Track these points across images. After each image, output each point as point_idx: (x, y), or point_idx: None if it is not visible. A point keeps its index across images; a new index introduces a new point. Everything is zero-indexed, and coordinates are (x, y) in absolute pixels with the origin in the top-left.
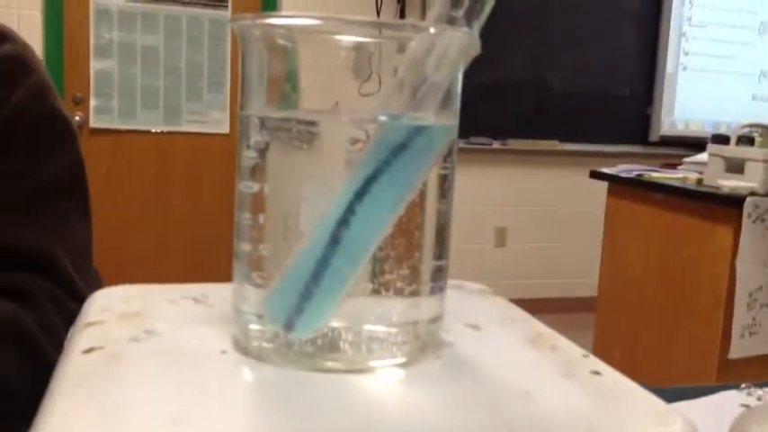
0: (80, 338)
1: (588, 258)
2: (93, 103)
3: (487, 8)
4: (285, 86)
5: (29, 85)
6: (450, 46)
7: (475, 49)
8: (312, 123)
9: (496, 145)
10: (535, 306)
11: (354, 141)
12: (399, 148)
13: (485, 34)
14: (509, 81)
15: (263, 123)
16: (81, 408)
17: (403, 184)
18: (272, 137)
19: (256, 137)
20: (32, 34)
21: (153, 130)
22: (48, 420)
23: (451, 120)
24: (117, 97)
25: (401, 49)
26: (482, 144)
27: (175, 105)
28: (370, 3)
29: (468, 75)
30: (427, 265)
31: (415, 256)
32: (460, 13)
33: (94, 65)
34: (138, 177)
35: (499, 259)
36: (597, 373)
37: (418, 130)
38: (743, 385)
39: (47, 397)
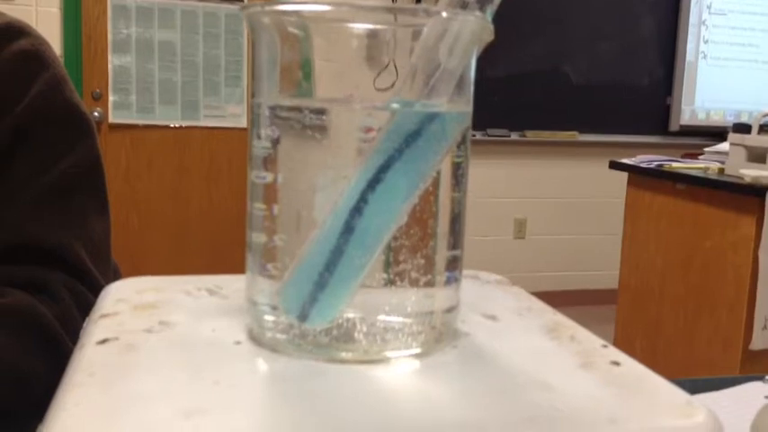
0: (95, 329)
1: (608, 250)
2: (111, 98)
3: None
4: (297, 75)
5: (46, 80)
6: (463, 31)
7: (488, 34)
8: (323, 112)
9: (515, 136)
10: (555, 298)
11: (367, 129)
12: (412, 136)
13: (502, 26)
14: (527, 72)
15: (274, 112)
16: (94, 398)
17: (416, 173)
18: (284, 126)
19: (268, 126)
20: (51, 31)
21: (171, 125)
22: (61, 410)
23: (465, 107)
24: (135, 93)
25: (414, 35)
26: (500, 136)
27: (193, 100)
28: None
29: (485, 66)
30: (441, 254)
31: (430, 245)
32: None
33: (113, 60)
34: (158, 172)
35: (518, 251)
36: (617, 363)
37: (431, 118)
38: (767, 377)
39: (61, 387)
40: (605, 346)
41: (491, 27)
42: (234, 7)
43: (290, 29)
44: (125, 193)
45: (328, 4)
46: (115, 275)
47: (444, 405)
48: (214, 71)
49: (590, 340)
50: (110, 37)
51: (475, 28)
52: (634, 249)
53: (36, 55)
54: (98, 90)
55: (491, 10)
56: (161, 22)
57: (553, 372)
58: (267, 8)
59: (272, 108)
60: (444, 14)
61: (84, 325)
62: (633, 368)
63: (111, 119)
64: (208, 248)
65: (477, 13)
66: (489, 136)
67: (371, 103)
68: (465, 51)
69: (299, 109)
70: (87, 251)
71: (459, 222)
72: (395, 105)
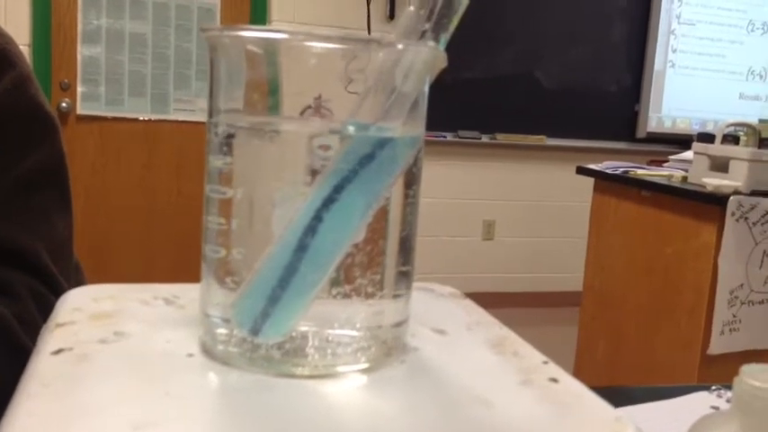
0: (50, 339)
1: (575, 253)
2: (80, 89)
3: (454, 22)
4: (254, 94)
5: (11, 79)
6: (417, 60)
7: (441, 62)
8: (279, 131)
9: (485, 139)
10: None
11: (323, 148)
12: (366, 159)
13: (475, 30)
14: (498, 76)
15: (230, 129)
16: (47, 409)
17: (370, 193)
18: (240, 143)
19: (224, 143)
20: (20, 19)
21: (140, 118)
22: (13, 420)
23: (418, 130)
24: (104, 84)
25: (370, 59)
26: (471, 138)
27: (163, 93)
28: (361, 3)
29: (457, 69)
30: (392, 271)
31: (380, 262)
32: (428, 26)
33: (82, 51)
34: (126, 165)
35: (487, 253)
36: (555, 380)
37: (385, 142)
38: (713, 387)
39: (14, 397)
40: (546, 363)
41: (444, 56)
42: (207, 1)
43: (251, 49)
44: (92, 185)
45: (285, 32)
46: (77, 274)
47: (388, 420)
48: (185, 64)
49: (532, 356)
50: (80, 27)
51: (428, 57)
52: (598, 253)
53: (2, 54)
54: (66, 80)
55: (445, 39)
56: (132, 14)
57: (494, 388)
58: (227, 32)
59: (229, 126)
60: (399, 46)
61: (41, 333)
62: (570, 385)
63: (80, 110)
64: (176, 242)
65: (431, 42)
66: (460, 138)
67: (326, 124)
68: (419, 78)
69: (255, 127)
70: (49, 251)
71: (410, 240)
72: (351, 128)
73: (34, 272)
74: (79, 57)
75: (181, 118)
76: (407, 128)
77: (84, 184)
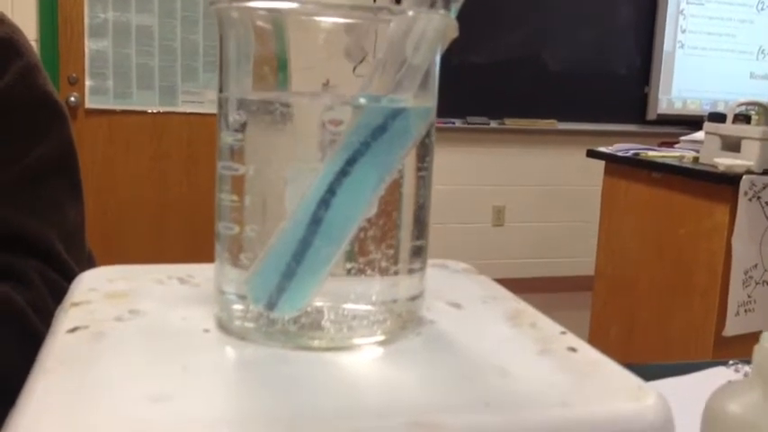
0: (65, 318)
1: (586, 237)
2: (88, 83)
3: None
4: (264, 68)
5: (19, 69)
6: (428, 28)
7: (452, 31)
8: (292, 105)
9: (494, 124)
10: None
11: (334, 123)
12: (379, 130)
13: (482, 13)
14: (506, 60)
15: (241, 105)
16: (63, 385)
17: (382, 166)
18: (251, 118)
19: (235, 118)
20: (27, 14)
21: (149, 111)
22: (30, 397)
23: (430, 102)
24: (112, 78)
25: (381, 31)
26: (479, 124)
27: (171, 85)
28: None
29: (466, 54)
30: (406, 244)
31: (394, 235)
32: None
33: (89, 45)
34: (135, 158)
35: (497, 238)
36: (573, 349)
37: (397, 113)
38: (731, 362)
39: (31, 374)
40: (564, 333)
41: (455, 24)
42: None
43: (258, 24)
44: (102, 178)
45: (295, 1)
46: (90, 263)
47: (405, 390)
48: (192, 56)
49: (549, 327)
50: (86, 21)
51: (439, 26)
52: (610, 237)
53: (9, 43)
54: (74, 75)
55: (456, 7)
56: (138, 6)
57: (512, 358)
58: (235, 4)
59: (240, 101)
60: (410, 13)
61: (56, 313)
62: (588, 354)
63: (88, 104)
64: (186, 234)
65: (442, 11)
66: (469, 124)
67: (338, 97)
68: (430, 48)
69: (266, 102)
70: (61, 238)
71: (424, 213)
72: (361, 100)
73: (47, 259)
74: (86, 51)
75: (189, 110)
76: (419, 99)
77: (94, 177)
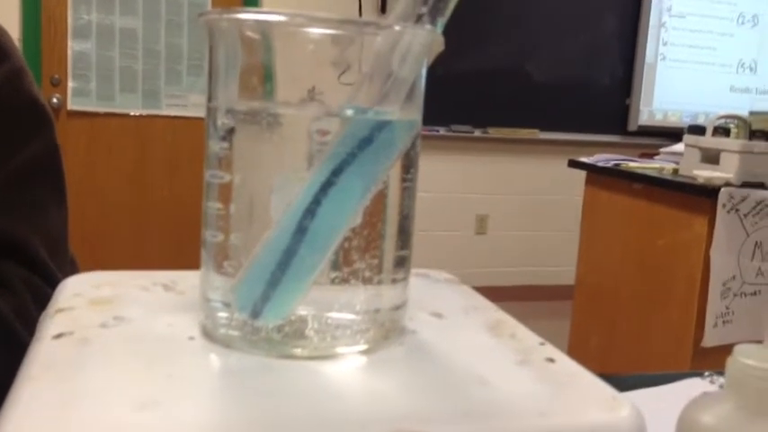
0: (50, 324)
1: (567, 246)
2: (70, 84)
3: (451, 6)
4: (253, 79)
5: (5, 72)
6: (414, 43)
7: (438, 45)
8: (277, 115)
9: (477, 133)
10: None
11: (321, 133)
12: (365, 142)
13: (467, 23)
14: (490, 69)
15: (229, 114)
16: (48, 391)
17: (368, 177)
18: (239, 128)
19: (223, 128)
20: (10, 14)
21: (132, 114)
22: (16, 403)
23: (415, 114)
24: (95, 80)
25: (367, 45)
26: (463, 132)
27: (154, 89)
28: None
29: (450, 63)
30: (390, 255)
31: (379, 246)
32: (425, 10)
33: (72, 46)
34: (117, 161)
35: (480, 247)
36: (551, 360)
37: (383, 125)
38: (706, 373)
39: (16, 381)
40: (542, 344)
41: (441, 39)
42: None
43: (247, 35)
44: (84, 181)
45: (283, 14)
46: (72, 267)
47: (387, 399)
48: (176, 60)
49: (529, 338)
50: (70, 22)
51: (425, 40)
52: (591, 246)
53: None
54: (57, 76)
55: (441, 23)
56: (122, 9)
57: (491, 368)
58: (225, 15)
59: (228, 111)
60: (396, 28)
61: (41, 319)
62: (566, 365)
63: (70, 105)
64: (168, 238)
65: (428, 26)
66: (453, 132)
67: (325, 108)
68: (416, 61)
69: (254, 112)
70: (45, 244)
71: (408, 224)
72: (348, 112)
73: (31, 265)
74: (69, 52)
75: (173, 113)
76: (405, 111)
77: (75, 179)
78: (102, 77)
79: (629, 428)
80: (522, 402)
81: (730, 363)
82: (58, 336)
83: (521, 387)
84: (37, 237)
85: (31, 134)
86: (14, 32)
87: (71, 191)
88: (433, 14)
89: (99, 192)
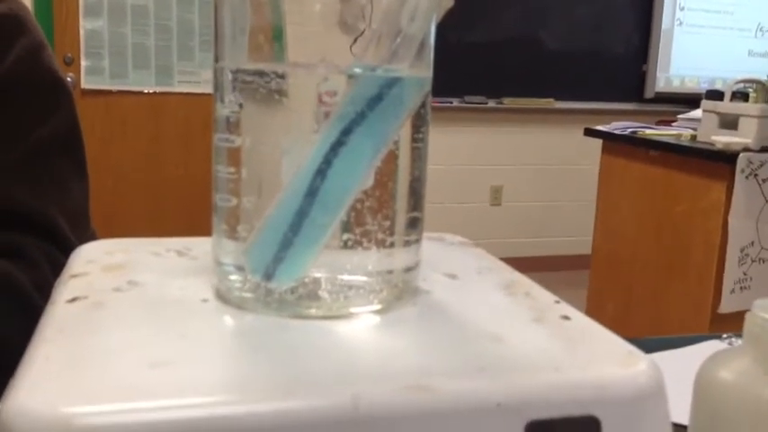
0: (64, 289)
1: (583, 216)
2: (83, 63)
3: None
4: (260, 38)
5: (24, 45)
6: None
7: (448, 1)
8: (287, 76)
9: (492, 104)
10: (530, 264)
11: (330, 93)
12: (374, 100)
13: None
14: (504, 39)
15: (237, 76)
16: (63, 352)
17: (378, 136)
18: (247, 89)
19: (231, 89)
20: None
21: (145, 91)
22: (30, 363)
23: (425, 72)
24: (108, 57)
25: (375, 3)
26: (477, 103)
27: (167, 65)
28: None
29: (462, 33)
30: (402, 216)
31: (390, 207)
32: None
33: (84, 24)
34: (132, 138)
35: (495, 218)
36: (567, 317)
37: (392, 82)
38: (725, 335)
39: (31, 343)
40: (558, 302)
41: None
42: None
43: None
44: (99, 159)
45: None
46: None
47: (401, 356)
48: (188, 36)
49: (543, 296)
50: (81, 0)
51: None
52: (607, 215)
53: (15, 20)
54: (70, 55)
55: None
56: None
57: (506, 325)
58: None
59: (236, 72)
60: None
61: (55, 285)
62: (582, 322)
63: (84, 84)
64: (182, 214)
65: None
66: (467, 103)
67: (334, 67)
68: (426, 17)
69: (262, 73)
70: (65, 217)
71: (419, 185)
72: (357, 70)
73: (52, 238)
74: (82, 31)
75: (185, 90)
76: (415, 69)
77: (90, 157)
78: (114, 55)
79: (646, 382)
80: (537, 358)
81: (749, 317)
82: (72, 300)
83: (536, 343)
84: (58, 210)
85: (51, 108)
86: None
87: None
88: None
89: (114, 169)
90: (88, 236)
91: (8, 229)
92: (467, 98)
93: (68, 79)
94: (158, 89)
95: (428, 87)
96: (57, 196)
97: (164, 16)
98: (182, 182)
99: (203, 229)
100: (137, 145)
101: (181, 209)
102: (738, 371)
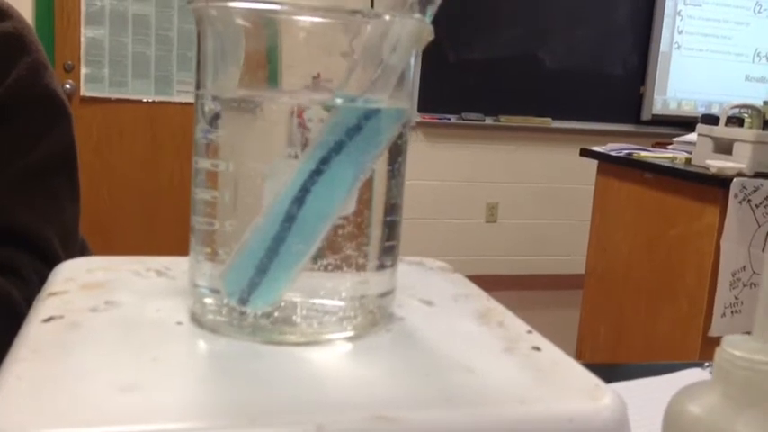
0: (42, 307)
1: (578, 235)
2: (83, 71)
3: None
4: (240, 67)
5: (27, 65)
6: (404, 32)
7: (428, 34)
8: (266, 103)
9: (489, 121)
10: (525, 282)
11: (310, 122)
12: (353, 130)
13: (479, 10)
14: (503, 57)
15: (217, 102)
16: (35, 372)
17: (356, 165)
18: (227, 115)
19: (210, 116)
20: (23, 1)
21: (144, 100)
22: (2, 384)
23: (404, 103)
24: (108, 66)
25: (356, 33)
26: (475, 120)
27: (166, 75)
28: None
29: (461, 51)
30: (377, 242)
31: (366, 233)
32: None
33: (85, 32)
34: (129, 147)
35: (490, 235)
36: (537, 348)
37: (371, 113)
38: (706, 363)
39: (4, 362)
40: (530, 332)
41: (431, 28)
42: None
43: (238, 22)
44: (96, 166)
45: (273, 3)
46: (82, 253)
47: (370, 385)
48: (188, 46)
49: (516, 326)
50: (83, 8)
51: (415, 30)
52: (601, 236)
53: (18, 39)
54: (70, 62)
55: (431, 11)
56: None
57: (477, 356)
58: (213, 3)
59: (216, 99)
60: (386, 17)
61: (34, 303)
62: (552, 353)
63: (83, 92)
64: (179, 223)
65: (417, 15)
66: (464, 120)
67: (313, 97)
68: (406, 50)
69: (242, 100)
70: (59, 236)
71: (395, 212)
72: (338, 100)
73: (44, 257)
74: (82, 39)
75: (184, 100)
76: (394, 100)
77: (88, 165)
78: (114, 64)
79: (609, 417)
80: (504, 389)
81: (718, 353)
82: (48, 319)
83: (505, 375)
84: (52, 229)
85: (50, 128)
86: (28, 20)
87: (84, 177)
88: (423, 3)
89: (111, 177)
90: (75, 252)
91: (5, 245)
92: (464, 115)
93: (67, 86)
94: (157, 98)
95: (407, 118)
96: (53, 215)
97: (164, 27)
98: (178, 191)
99: None
100: (134, 153)
101: (177, 217)
102: (708, 406)
